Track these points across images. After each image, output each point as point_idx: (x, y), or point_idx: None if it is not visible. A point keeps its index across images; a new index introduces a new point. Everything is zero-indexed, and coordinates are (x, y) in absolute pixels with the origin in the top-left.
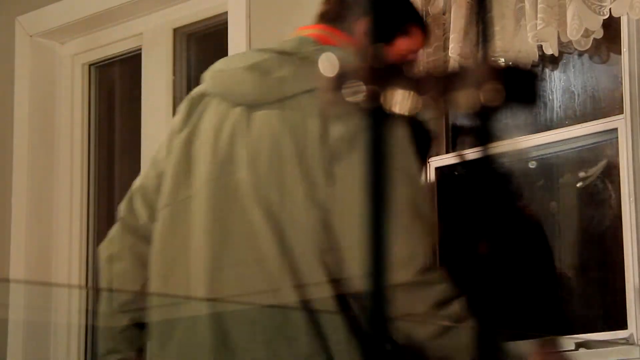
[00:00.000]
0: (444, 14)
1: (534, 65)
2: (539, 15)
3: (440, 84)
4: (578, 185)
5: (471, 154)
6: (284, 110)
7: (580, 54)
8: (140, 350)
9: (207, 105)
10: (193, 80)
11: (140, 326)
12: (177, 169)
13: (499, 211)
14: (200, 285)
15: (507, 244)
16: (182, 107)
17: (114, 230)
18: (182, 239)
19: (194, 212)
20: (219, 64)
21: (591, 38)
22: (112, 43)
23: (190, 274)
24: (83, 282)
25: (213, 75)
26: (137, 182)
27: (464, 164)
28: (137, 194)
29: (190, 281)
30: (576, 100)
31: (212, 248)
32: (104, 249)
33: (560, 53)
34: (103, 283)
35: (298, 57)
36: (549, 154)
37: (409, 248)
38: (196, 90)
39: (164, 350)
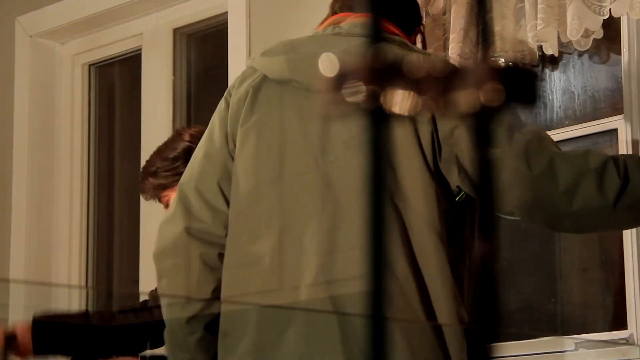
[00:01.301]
0: (444, 14)
1: (534, 65)
2: (539, 16)
3: (440, 84)
4: None
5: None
6: None
7: (580, 54)
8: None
9: (275, 91)
10: (193, 80)
11: (213, 334)
12: (257, 162)
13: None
14: (312, 276)
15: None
16: (242, 96)
17: (173, 237)
18: (285, 231)
19: (293, 204)
20: (284, 48)
21: (591, 38)
22: (112, 43)
23: (301, 268)
24: (83, 282)
25: (289, 61)
26: (188, 182)
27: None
28: (192, 196)
29: (303, 275)
30: (576, 101)
31: (323, 236)
32: (165, 256)
33: (560, 53)
34: (167, 291)
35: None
36: None
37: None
38: (252, 77)
39: (274, 346)
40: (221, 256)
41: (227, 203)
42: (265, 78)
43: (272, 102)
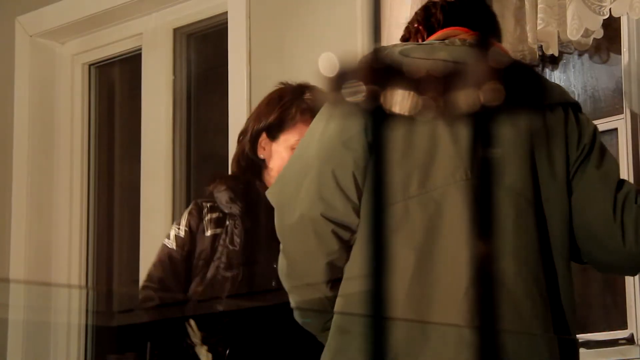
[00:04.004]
0: None
1: (534, 65)
2: (539, 16)
3: (440, 84)
4: None
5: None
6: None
7: (580, 54)
8: None
9: None
10: (193, 80)
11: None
12: (402, 162)
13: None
14: (463, 291)
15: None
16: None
17: (307, 220)
18: (430, 242)
19: (439, 214)
20: (425, 53)
21: (591, 38)
22: (112, 43)
23: (450, 282)
24: (83, 282)
25: (435, 64)
26: (325, 163)
27: None
28: (328, 180)
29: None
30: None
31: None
32: (297, 238)
33: (560, 53)
34: (291, 279)
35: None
36: None
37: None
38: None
39: (419, 348)
40: (351, 239)
41: (359, 196)
42: None
43: None
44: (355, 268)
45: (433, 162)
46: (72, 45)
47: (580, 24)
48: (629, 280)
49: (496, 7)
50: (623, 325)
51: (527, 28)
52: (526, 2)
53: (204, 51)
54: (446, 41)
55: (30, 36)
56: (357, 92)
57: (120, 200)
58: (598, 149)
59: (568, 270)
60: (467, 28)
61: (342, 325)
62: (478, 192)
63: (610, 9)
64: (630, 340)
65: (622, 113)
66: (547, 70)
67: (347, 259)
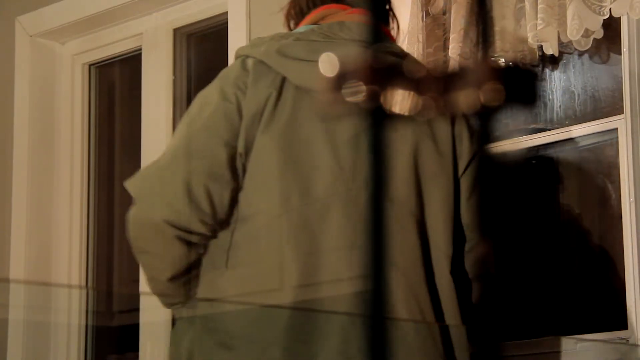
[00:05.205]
0: (444, 14)
1: (534, 65)
2: (539, 16)
3: (440, 84)
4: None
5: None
6: None
7: (581, 54)
8: None
9: (298, 97)
10: (193, 80)
11: None
12: (282, 175)
13: (499, 211)
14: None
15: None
16: (262, 98)
17: (151, 225)
18: (312, 256)
19: (320, 228)
20: (305, 52)
21: (591, 38)
22: (112, 43)
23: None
24: (83, 282)
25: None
26: (176, 170)
27: None
28: (179, 188)
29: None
30: (576, 100)
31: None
32: (138, 239)
33: (560, 53)
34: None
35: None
36: (549, 154)
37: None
38: (269, 77)
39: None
40: (201, 241)
41: (213, 208)
42: (285, 80)
43: (298, 111)
44: (235, 287)
45: (314, 172)
46: (72, 45)
47: (580, 24)
48: (629, 280)
49: (496, 7)
50: (623, 325)
51: (527, 28)
52: (526, 2)
53: (204, 51)
54: (314, 27)
55: (30, 36)
56: (357, 92)
57: (120, 201)
58: (482, 156)
59: (453, 280)
60: (343, 5)
61: (226, 341)
62: (359, 204)
63: (610, 9)
64: (630, 340)
65: (622, 113)
66: (547, 71)
67: (198, 255)
